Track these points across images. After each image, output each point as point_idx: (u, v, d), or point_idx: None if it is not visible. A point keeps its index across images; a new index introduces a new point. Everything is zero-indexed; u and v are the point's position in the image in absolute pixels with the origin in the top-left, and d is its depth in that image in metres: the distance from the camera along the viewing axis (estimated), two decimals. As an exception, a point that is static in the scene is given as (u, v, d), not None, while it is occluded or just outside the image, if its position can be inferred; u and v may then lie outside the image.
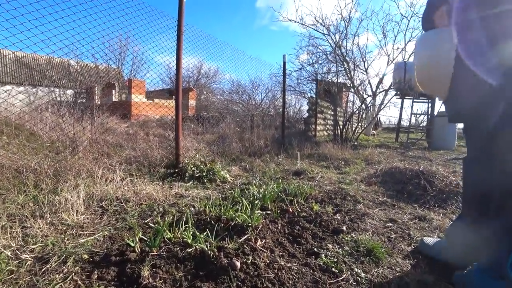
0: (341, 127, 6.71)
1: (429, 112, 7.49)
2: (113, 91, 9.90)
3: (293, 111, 9.09)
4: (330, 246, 1.52)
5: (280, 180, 2.82)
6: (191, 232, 1.38)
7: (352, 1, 9.08)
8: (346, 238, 1.62)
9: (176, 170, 2.80)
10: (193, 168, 2.77)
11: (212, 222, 1.57)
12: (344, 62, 7.95)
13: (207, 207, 1.75)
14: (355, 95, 8.00)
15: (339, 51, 7.85)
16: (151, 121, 7.08)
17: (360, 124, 7.58)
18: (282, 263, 1.26)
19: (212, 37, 4.50)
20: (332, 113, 8.30)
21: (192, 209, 1.96)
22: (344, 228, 1.74)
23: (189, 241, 1.30)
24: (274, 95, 8.37)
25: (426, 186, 2.61)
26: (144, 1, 3.23)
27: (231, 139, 4.13)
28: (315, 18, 8.71)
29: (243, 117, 5.36)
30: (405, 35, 8.09)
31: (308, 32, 8.49)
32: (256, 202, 1.81)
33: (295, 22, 8.77)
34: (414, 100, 7.27)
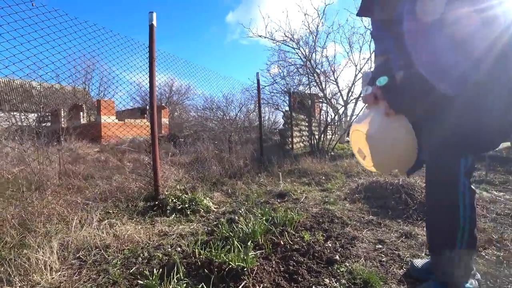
0: (317, 138, 6.86)
1: None
2: (81, 113, 9.36)
3: (267, 124, 9.20)
4: (327, 281, 1.50)
5: (265, 207, 2.78)
6: (184, 285, 1.29)
7: (319, 16, 9.48)
8: (341, 269, 1.61)
9: (156, 202, 2.67)
10: (174, 200, 2.64)
11: (204, 267, 1.49)
12: (315, 74, 8.22)
13: (196, 249, 1.66)
14: (327, 105, 8.25)
15: (309, 63, 8.12)
16: (123, 142, 6.76)
17: (335, 133, 7.81)
18: (284, 311, 1.21)
19: (184, 60, 4.45)
20: (307, 124, 8.49)
21: (179, 248, 1.85)
22: (338, 257, 1.74)
23: (184, 297, 1.21)
24: (248, 109, 8.41)
25: (407, 199, 2.71)
26: (113, 29, 3.12)
27: (210, 163, 4.04)
28: (284, 34, 8.98)
29: (220, 136, 5.29)
30: (369, 46, 8.55)
31: (278, 46, 8.68)
32: (247, 240, 1.76)
33: (265, 37, 8.95)
34: None
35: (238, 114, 7.52)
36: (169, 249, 1.84)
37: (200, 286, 1.29)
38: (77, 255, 1.70)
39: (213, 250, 1.60)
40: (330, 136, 7.30)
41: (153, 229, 2.14)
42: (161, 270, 1.44)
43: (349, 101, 8.74)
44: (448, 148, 1.10)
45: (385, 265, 1.69)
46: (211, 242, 1.80)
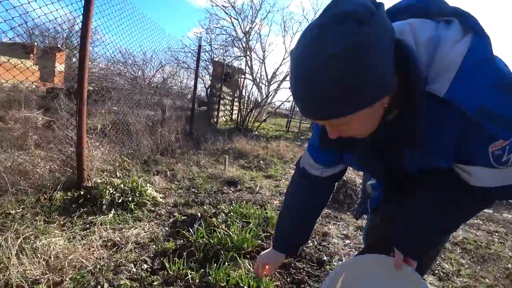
0: (244, 115, 6.73)
1: None
2: None
3: (186, 92, 8.40)
4: None
5: (224, 198, 2.48)
6: None
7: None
8: (332, 269, 1.61)
9: (82, 193, 1.94)
10: (111, 190, 1.99)
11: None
12: (247, 49, 7.90)
13: (181, 269, 1.26)
14: (254, 83, 8.17)
15: (244, 38, 7.71)
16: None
17: (259, 113, 7.87)
18: None
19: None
20: (231, 99, 8.22)
21: (147, 265, 1.38)
22: (324, 257, 1.78)
23: None
24: (170, 71, 7.40)
25: (352, 194, 2.95)
26: None
27: (140, 135, 3.29)
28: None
29: (152, 106, 4.37)
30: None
31: (214, 10, 7.82)
32: (237, 250, 1.48)
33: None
34: None
35: (159, 76, 6.47)
36: (135, 269, 1.34)
37: None
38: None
39: (211, 271, 1.25)
40: (256, 114, 7.30)
41: (94, 239, 1.52)
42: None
43: (272, 81, 8.91)
44: None
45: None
46: (185, 253, 1.43)
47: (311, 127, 8.33)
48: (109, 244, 1.52)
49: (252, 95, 7.63)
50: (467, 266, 1.95)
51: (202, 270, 1.30)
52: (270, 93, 8.92)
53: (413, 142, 0.70)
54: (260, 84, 8.97)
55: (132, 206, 2.01)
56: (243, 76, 7.68)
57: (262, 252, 1.23)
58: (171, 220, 1.98)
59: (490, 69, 0.60)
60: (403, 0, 0.80)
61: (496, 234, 2.65)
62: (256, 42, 8.01)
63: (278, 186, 3.14)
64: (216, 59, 6.87)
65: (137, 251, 1.51)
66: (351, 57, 0.52)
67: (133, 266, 1.37)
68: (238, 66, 7.82)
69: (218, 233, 1.63)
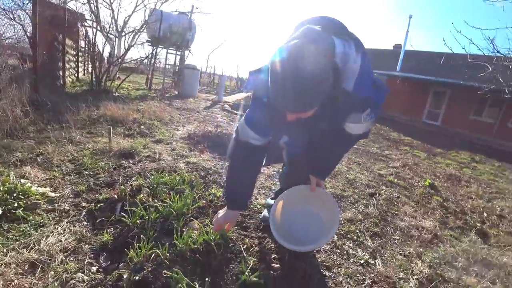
0: (99, 74, 5.71)
1: (179, 63, 8.27)
2: None
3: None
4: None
5: (122, 171, 2.34)
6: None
7: None
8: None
9: None
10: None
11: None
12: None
13: (148, 249, 1.31)
14: (101, 33, 6.76)
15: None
16: None
17: (118, 70, 6.72)
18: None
19: None
20: (75, 53, 6.61)
21: (94, 268, 1.31)
22: None
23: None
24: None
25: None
26: None
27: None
28: None
29: None
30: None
31: None
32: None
33: None
34: (169, 51, 7.61)
35: None
36: (87, 276, 1.24)
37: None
38: None
39: (177, 240, 1.36)
40: (115, 74, 6.30)
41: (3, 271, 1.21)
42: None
43: (123, 33, 7.72)
44: None
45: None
46: (131, 239, 1.44)
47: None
48: (27, 268, 1.26)
49: (103, 48, 6.38)
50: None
51: (167, 243, 1.38)
52: (126, 47, 7.69)
53: (335, 117, 1.20)
54: (110, 36, 7.53)
55: (21, 213, 1.60)
56: (87, 24, 6.14)
57: (219, 214, 1.49)
58: (84, 212, 1.75)
59: (371, 76, 1.12)
60: (319, 18, 1.18)
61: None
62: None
63: (174, 150, 3.17)
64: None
65: (72, 259, 1.35)
66: (324, 76, 0.91)
67: (82, 275, 1.25)
68: (80, 10, 6.09)
69: (154, 208, 1.67)
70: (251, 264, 1.35)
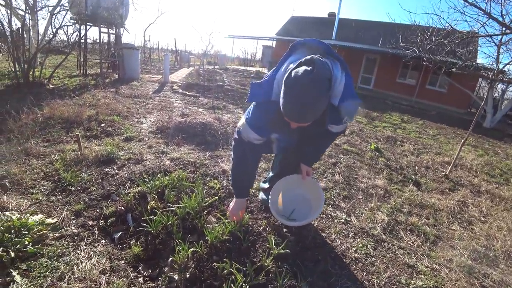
0: (25, 63, 4.92)
1: (114, 43, 7.39)
2: None
3: None
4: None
5: (112, 180, 2.34)
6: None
7: None
8: None
9: None
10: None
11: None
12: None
13: (186, 251, 1.50)
14: (8, 10, 5.60)
15: None
16: None
17: (45, 55, 5.74)
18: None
19: None
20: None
21: (141, 280, 1.47)
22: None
23: None
24: None
25: (215, 134, 3.58)
26: None
27: None
28: None
29: None
30: None
31: None
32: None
33: None
34: (102, 31, 6.71)
35: None
36: (145, 285, 1.39)
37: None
38: None
39: (207, 235, 1.57)
40: (43, 60, 5.45)
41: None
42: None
43: (36, 9, 6.59)
44: None
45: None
46: (161, 244, 1.59)
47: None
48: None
49: (22, 30, 5.35)
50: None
51: (200, 241, 1.57)
52: (46, 26, 6.55)
53: (323, 122, 1.53)
54: (19, 12, 6.31)
55: (33, 249, 1.49)
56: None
57: (231, 206, 1.81)
58: (96, 231, 1.78)
59: (354, 95, 1.44)
60: (311, 40, 1.46)
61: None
62: None
63: (151, 147, 3.15)
64: None
65: (116, 278, 1.44)
66: (325, 97, 1.26)
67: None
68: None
69: (170, 211, 1.82)
70: (274, 241, 1.67)
